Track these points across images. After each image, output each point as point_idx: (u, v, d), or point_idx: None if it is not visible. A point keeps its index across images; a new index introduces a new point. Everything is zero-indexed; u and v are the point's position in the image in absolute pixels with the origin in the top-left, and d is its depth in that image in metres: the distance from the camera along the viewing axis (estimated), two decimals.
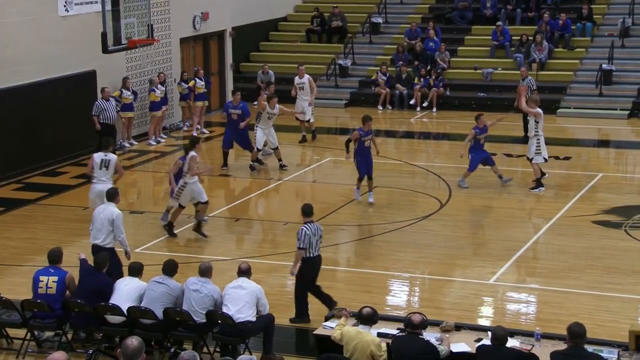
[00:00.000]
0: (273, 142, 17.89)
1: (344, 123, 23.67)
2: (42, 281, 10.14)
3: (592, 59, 24.23)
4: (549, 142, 19.74)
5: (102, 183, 13.62)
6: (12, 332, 10.48)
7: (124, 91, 19.91)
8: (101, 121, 18.56)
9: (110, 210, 11.46)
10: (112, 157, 13.91)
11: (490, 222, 15.45)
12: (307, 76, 20.60)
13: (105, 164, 13.78)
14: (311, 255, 10.89)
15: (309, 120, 20.26)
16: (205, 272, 10.02)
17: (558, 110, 22.79)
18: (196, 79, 21.43)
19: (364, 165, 15.50)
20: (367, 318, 8.87)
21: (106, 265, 10.45)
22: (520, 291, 12.21)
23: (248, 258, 13.04)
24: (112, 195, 11.69)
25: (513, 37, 24.92)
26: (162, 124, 21.20)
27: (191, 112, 21.71)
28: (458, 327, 9.47)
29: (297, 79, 20.66)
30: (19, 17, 17.86)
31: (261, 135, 17.74)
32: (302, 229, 10.87)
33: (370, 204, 15.57)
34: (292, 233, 13.75)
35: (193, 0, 22.82)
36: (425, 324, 8.79)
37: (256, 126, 17.84)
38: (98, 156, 13.90)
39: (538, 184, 16.49)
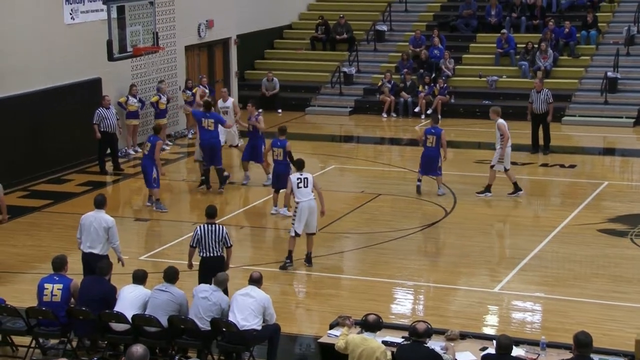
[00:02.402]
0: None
1: (349, 131, 23.69)
2: (47, 289, 10.14)
3: (597, 67, 24.22)
4: (554, 150, 19.87)
5: None
6: (17, 339, 10.48)
7: (130, 98, 19.96)
8: (102, 129, 18.59)
9: (104, 218, 11.41)
10: None
11: (495, 230, 15.43)
12: (231, 99, 18.74)
13: None
14: (203, 255, 11.19)
15: (237, 145, 18.36)
16: (221, 282, 10.04)
17: (563, 118, 22.77)
18: (200, 86, 21.46)
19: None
20: (373, 325, 8.87)
21: (109, 272, 10.47)
22: (525, 300, 12.18)
23: (252, 265, 13.04)
24: (101, 203, 11.56)
25: (518, 45, 24.93)
26: (166, 131, 21.24)
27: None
28: (463, 336, 9.45)
29: (220, 103, 18.43)
30: (25, 25, 17.91)
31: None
32: (195, 228, 11.29)
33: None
34: (297, 241, 13.77)
35: (198, 8, 22.87)
36: (430, 332, 8.78)
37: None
38: None
39: (487, 189, 16.55)
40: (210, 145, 16.83)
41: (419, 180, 16.83)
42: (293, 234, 13.13)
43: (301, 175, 13.24)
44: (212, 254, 11.18)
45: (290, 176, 13.31)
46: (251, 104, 17.78)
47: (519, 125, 20.81)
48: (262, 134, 17.26)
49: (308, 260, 13.27)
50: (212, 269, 10.79)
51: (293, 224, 13.13)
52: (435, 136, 16.49)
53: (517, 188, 16.59)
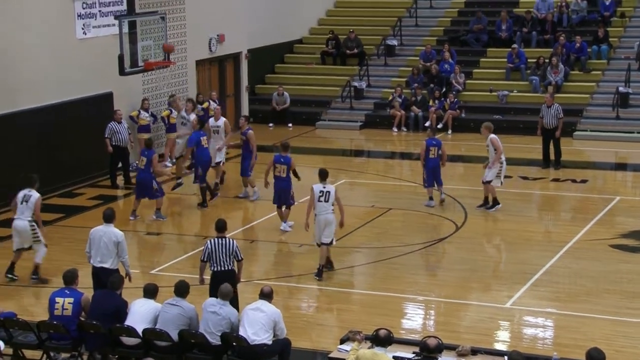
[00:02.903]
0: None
1: (359, 145, 23.69)
2: (58, 302, 10.15)
3: (609, 82, 24.16)
4: (566, 164, 19.80)
5: (19, 219, 13.16)
6: (28, 353, 10.47)
7: (141, 112, 20.04)
8: (113, 143, 18.66)
9: (113, 232, 11.49)
10: (35, 194, 13.23)
11: (506, 245, 15.38)
12: (222, 119, 18.20)
13: (26, 199, 13.15)
14: (214, 269, 11.20)
15: (221, 162, 17.91)
16: (225, 295, 10.02)
17: (575, 133, 22.71)
18: (210, 101, 21.53)
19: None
20: (384, 340, 8.85)
21: (121, 286, 10.48)
22: (537, 315, 12.12)
23: (263, 280, 13.03)
24: (110, 217, 11.65)
25: (529, 60, 24.91)
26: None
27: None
28: (474, 352, 9.40)
29: (211, 122, 18.10)
30: (37, 40, 18.02)
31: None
32: (206, 243, 11.35)
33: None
34: (307, 255, 13.77)
35: (209, 23, 22.96)
36: (441, 348, 8.75)
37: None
38: (22, 192, 13.30)
39: (495, 202, 16.57)
40: (202, 164, 17.10)
41: (431, 199, 16.89)
42: (316, 245, 13.43)
43: (324, 187, 13.28)
44: (223, 268, 11.18)
45: (314, 186, 13.32)
46: (243, 118, 17.99)
47: (529, 140, 20.79)
48: (252, 149, 17.18)
49: (319, 273, 13.26)
50: (221, 283, 10.81)
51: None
52: (437, 147, 16.82)
53: (492, 203, 16.60)
